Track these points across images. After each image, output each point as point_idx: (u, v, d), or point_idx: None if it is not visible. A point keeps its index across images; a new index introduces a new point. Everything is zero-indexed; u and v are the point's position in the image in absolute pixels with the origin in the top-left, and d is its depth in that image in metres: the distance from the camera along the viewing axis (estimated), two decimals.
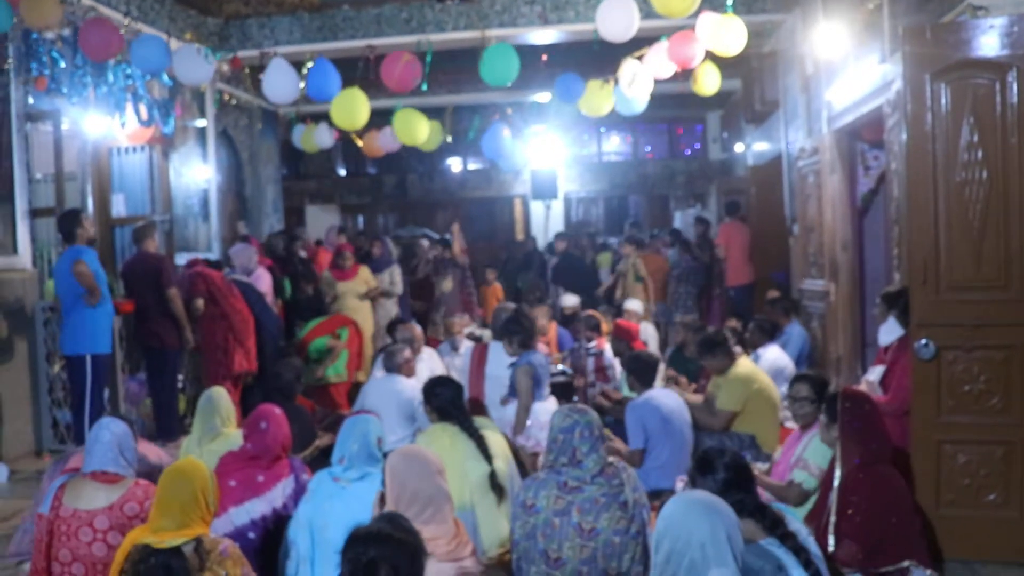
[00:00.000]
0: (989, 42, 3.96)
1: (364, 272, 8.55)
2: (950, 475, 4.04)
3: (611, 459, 3.25)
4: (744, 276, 9.11)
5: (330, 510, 3.40)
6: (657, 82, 7.11)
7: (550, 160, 15.06)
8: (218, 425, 4.41)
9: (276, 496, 3.85)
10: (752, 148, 11.77)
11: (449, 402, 4.17)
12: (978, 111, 3.96)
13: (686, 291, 10.28)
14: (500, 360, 5.03)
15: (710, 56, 6.73)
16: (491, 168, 16.35)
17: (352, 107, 7.10)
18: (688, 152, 16.87)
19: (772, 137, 10.28)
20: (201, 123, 9.52)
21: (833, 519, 3.35)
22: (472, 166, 17.07)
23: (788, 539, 2.57)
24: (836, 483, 3.45)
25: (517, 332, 5.48)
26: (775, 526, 2.61)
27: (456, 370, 7.86)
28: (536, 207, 15.93)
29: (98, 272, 5.97)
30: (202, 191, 9.63)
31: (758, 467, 4.80)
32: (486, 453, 3.98)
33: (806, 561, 2.54)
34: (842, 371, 7.28)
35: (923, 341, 4.04)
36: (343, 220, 16.49)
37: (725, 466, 2.74)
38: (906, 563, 3.18)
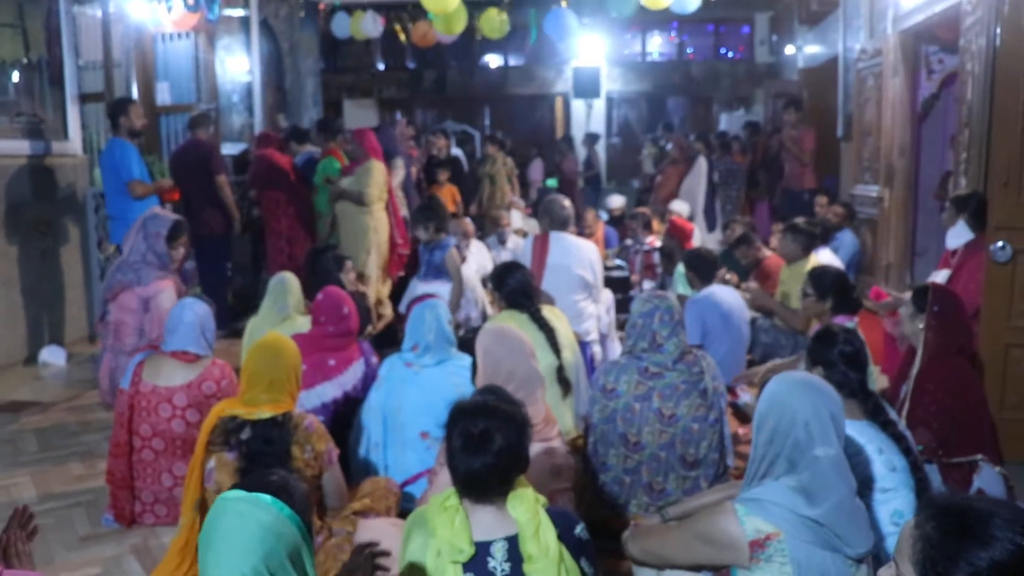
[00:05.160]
0: None
1: None
2: (1016, 379, 4.05)
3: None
4: (810, 181, 8.92)
5: (403, 395, 3.44)
6: None
7: (593, 58, 14.73)
8: (290, 307, 4.45)
9: (348, 380, 3.90)
10: (803, 51, 11.42)
11: (519, 290, 4.13)
12: None
13: (725, 195, 10.14)
14: (563, 249, 4.99)
15: None
16: (533, 65, 16.03)
17: None
18: (733, 55, 16.39)
19: (827, 39, 9.96)
20: (239, 12, 9.33)
21: (907, 408, 3.36)
22: (513, 63, 16.71)
23: (889, 426, 2.59)
24: (914, 372, 3.45)
25: (432, 218, 5.86)
26: (876, 411, 2.62)
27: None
28: (577, 106, 15.64)
29: (140, 165, 5.95)
30: (244, 82, 9.51)
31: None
32: (555, 345, 3.98)
33: (906, 449, 2.56)
34: (891, 278, 7.22)
35: (1000, 244, 3.98)
36: (381, 115, 16.28)
37: (845, 339, 2.75)
38: (978, 457, 3.19)
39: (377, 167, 6.57)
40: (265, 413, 2.79)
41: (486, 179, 9.59)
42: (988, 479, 3.26)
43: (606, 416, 3.13)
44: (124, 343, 4.73)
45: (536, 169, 13.23)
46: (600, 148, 15.45)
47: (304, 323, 4.26)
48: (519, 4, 10.07)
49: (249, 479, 1.75)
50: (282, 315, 4.40)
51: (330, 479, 2.85)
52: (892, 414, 2.69)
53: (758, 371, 4.68)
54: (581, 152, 13.81)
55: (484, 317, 5.90)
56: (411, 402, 3.38)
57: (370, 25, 9.50)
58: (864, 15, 8.04)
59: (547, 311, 4.19)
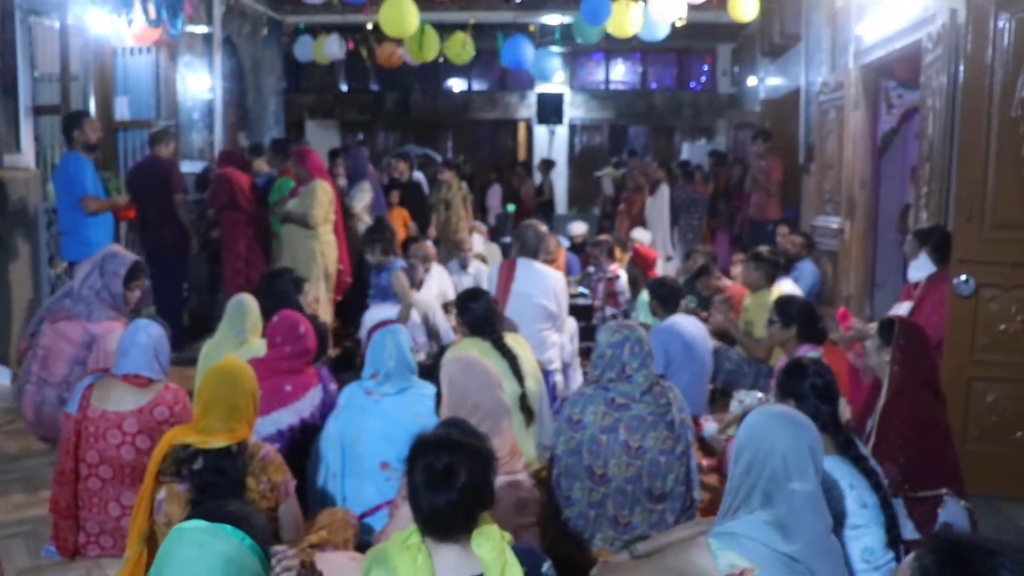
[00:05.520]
0: None
1: None
2: (978, 412, 4.07)
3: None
4: (775, 212, 8.98)
5: (363, 424, 3.34)
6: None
7: (557, 85, 14.81)
8: (247, 330, 4.33)
9: (305, 406, 3.79)
10: (765, 82, 11.58)
11: (482, 317, 4.08)
12: None
13: (687, 223, 10.19)
14: (529, 277, 4.94)
15: None
16: (496, 90, 16.07)
17: (401, 12, 6.91)
18: (696, 86, 16.59)
19: (789, 72, 10.10)
20: (202, 29, 9.21)
21: (872, 442, 3.34)
22: (477, 87, 16.73)
23: (860, 461, 2.55)
24: (879, 405, 3.44)
25: (379, 240, 5.85)
26: (848, 446, 2.59)
27: (463, 289, 7.82)
28: (540, 132, 15.69)
29: (95, 180, 5.79)
30: (205, 100, 9.37)
31: (759, 396, 4.82)
32: (518, 372, 3.91)
33: (876, 484, 2.53)
34: (852, 309, 7.26)
35: (963, 277, 4.01)
36: (343, 137, 16.18)
37: (815, 372, 2.74)
38: (944, 491, 3.18)
39: (321, 187, 6.41)
40: (219, 442, 2.68)
41: (440, 205, 9.35)
42: (953, 513, 3.24)
43: (571, 448, 3.06)
44: (52, 372, 4.45)
45: (495, 195, 13.20)
46: (562, 175, 15.52)
47: (261, 346, 4.14)
48: (486, 28, 10.09)
49: (207, 508, 1.66)
50: (239, 339, 4.28)
51: (286, 511, 2.74)
52: (863, 448, 2.66)
53: (726, 418, 4.66)
54: (537, 178, 13.83)
55: (439, 344, 5.81)
56: (371, 431, 3.28)
57: (334, 48, 9.42)
58: (826, 49, 8.17)
59: (510, 339, 4.14)
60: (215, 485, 2.59)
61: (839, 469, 2.51)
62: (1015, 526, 3.86)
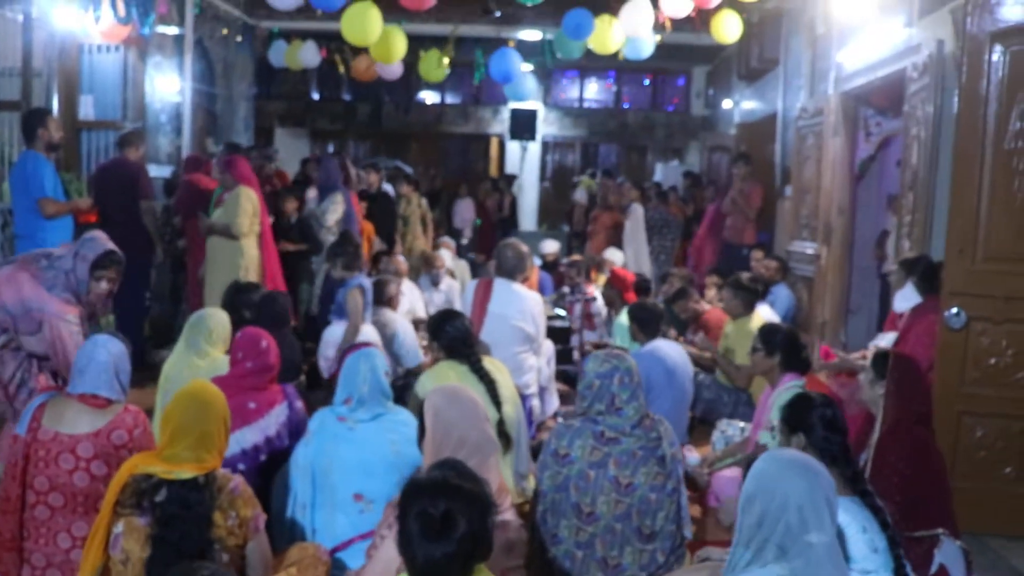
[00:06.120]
0: None
1: None
2: (968, 447, 4.02)
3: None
4: (750, 236, 8.92)
5: (335, 453, 3.13)
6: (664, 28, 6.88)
7: (530, 101, 14.72)
8: (203, 344, 4.10)
9: (270, 424, 3.60)
10: (741, 105, 11.59)
11: (459, 339, 3.90)
12: None
13: (660, 244, 10.11)
14: (506, 298, 4.78)
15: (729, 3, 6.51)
16: (469, 104, 15.94)
17: (364, 20, 6.70)
18: (670, 106, 16.62)
19: (766, 96, 10.10)
20: (174, 30, 8.96)
21: (867, 478, 3.24)
22: (450, 100, 16.58)
23: (867, 496, 2.46)
24: (873, 440, 3.34)
25: (342, 255, 5.69)
26: (857, 480, 2.50)
27: (435, 306, 7.64)
28: (513, 147, 15.58)
29: (55, 182, 5.53)
30: (174, 103, 9.11)
31: (742, 427, 4.72)
32: (496, 398, 3.75)
33: (883, 522, 2.43)
34: (827, 336, 7.22)
35: (954, 310, 3.95)
36: (313, 146, 15.94)
37: (823, 403, 2.68)
38: (940, 531, 3.08)
39: (245, 195, 6.08)
40: (186, 473, 2.47)
41: (399, 220, 9.08)
42: (949, 554, 3.15)
43: (558, 484, 2.90)
44: None
45: (465, 208, 13.04)
46: (533, 192, 15.43)
47: (224, 362, 3.95)
48: (464, 43, 9.96)
49: (177, 572, 1.48)
50: (194, 351, 4.07)
51: (255, 548, 2.54)
52: (867, 483, 2.57)
53: (708, 457, 4.55)
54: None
55: (402, 367, 5.64)
56: (344, 460, 3.08)
57: (308, 55, 9.21)
58: (805, 74, 8.16)
59: (488, 362, 3.97)
60: (179, 519, 2.38)
61: (851, 511, 2.41)
62: (1007, 565, 3.77)
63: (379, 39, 7.06)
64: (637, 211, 9.97)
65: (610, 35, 7.11)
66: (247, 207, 6.07)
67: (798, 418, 2.69)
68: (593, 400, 3.00)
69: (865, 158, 7.63)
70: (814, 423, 2.64)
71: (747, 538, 1.92)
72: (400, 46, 7.43)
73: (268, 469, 3.56)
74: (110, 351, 3.09)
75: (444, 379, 3.79)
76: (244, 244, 6.08)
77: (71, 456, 2.94)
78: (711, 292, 7.09)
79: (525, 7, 7.69)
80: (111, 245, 4.26)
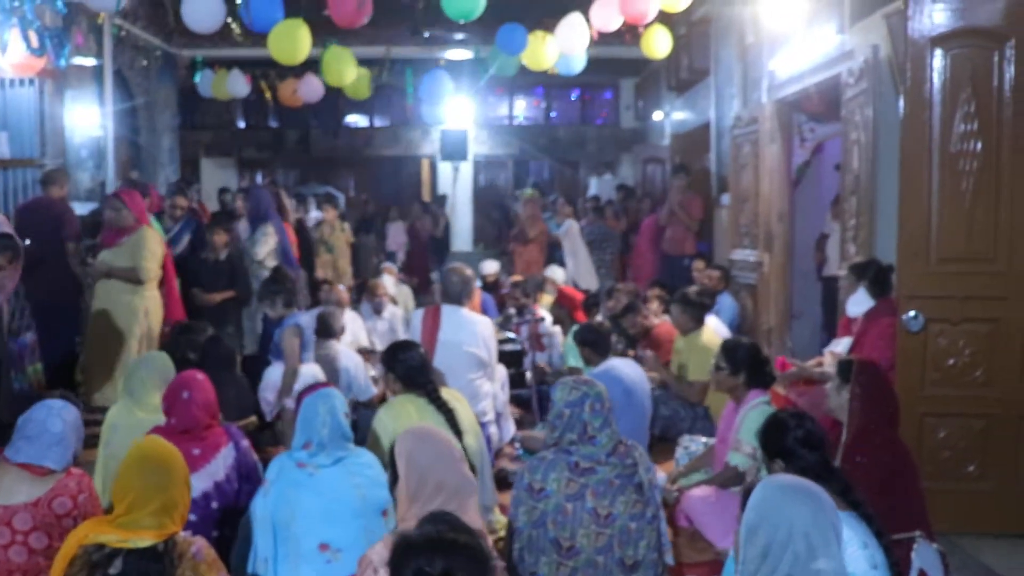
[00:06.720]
0: (988, 10, 3.86)
1: None
2: (931, 448, 4.03)
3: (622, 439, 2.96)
4: (691, 247, 8.94)
5: (297, 502, 2.92)
6: (595, 43, 6.86)
7: (460, 121, 14.63)
8: (137, 391, 3.86)
9: (217, 468, 3.42)
10: (672, 117, 11.67)
11: (416, 368, 3.76)
12: (976, 80, 3.87)
13: (599, 258, 10.08)
14: (456, 325, 4.66)
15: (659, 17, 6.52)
16: (399, 127, 15.76)
17: (293, 39, 6.49)
18: (600, 120, 16.70)
19: (697, 106, 10.18)
20: (91, 62, 8.63)
21: None
22: (379, 123, 16.38)
23: (859, 507, 2.41)
24: (841, 445, 3.31)
25: (279, 292, 5.53)
26: (847, 491, 2.45)
27: (378, 335, 7.45)
28: (444, 168, 15.45)
29: None
30: (95, 137, 8.76)
31: (704, 441, 4.67)
32: (456, 428, 3.62)
33: (877, 531, 2.38)
34: (773, 342, 7.26)
35: (912, 313, 3.96)
36: (240, 175, 15.56)
37: (796, 424, 2.66)
38: (916, 533, 3.04)
39: (151, 236, 5.74)
40: (144, 540, 2.27)
41: (321, 246, 8.73)
42: (926, 557, 3.10)
43: (534, 519, 2.77)
44: None
45: (399, 232, 12.86)
46: (466, 212, 15.32)
47: None
48: (394, 64, 9.81)
49: None
50: (133, 400, 3.85)
51: None
52: (857, 493, 2.52)
53: (672, 472, 4.48)
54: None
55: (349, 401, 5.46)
56: (306, 509, 2.89)
57: (236, 85, 8.96)
58: (737, 84, 8.23)
59: (445, 392, 3.84)
60: None
61: (852, 527, 2.36)
62: (978, 563, 3.78)
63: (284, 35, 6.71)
64: (573, 227, 9.92)
65: (544, 51, 7.06)
66: (156, 250, 5.70)
67: (775, 445, 2.67)
68: (564, 430, 2.89)
69: (801, 164, 7.74)
70: (792, 446, 2.62)
71: (752, 570, 1.83)
72: (303, 51, 7.07)
73: (221, 519, 3.37)
74: (65, 420, 2.86)
75: (404, 414, 3.66)
76: (144, 287, 5.70)
77: (7, 529, 2.71)
78: (654, 305, 7.05)
79: (454, 27, 7.61)
80: (7, 228, 3.97)
